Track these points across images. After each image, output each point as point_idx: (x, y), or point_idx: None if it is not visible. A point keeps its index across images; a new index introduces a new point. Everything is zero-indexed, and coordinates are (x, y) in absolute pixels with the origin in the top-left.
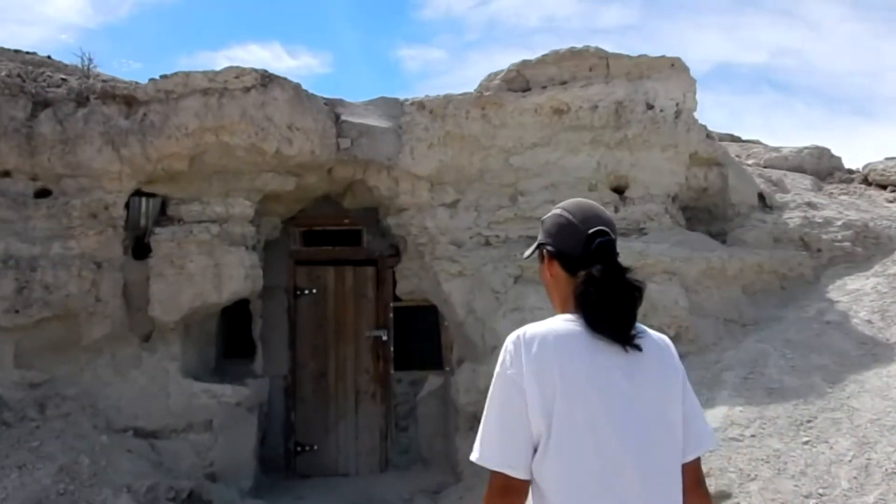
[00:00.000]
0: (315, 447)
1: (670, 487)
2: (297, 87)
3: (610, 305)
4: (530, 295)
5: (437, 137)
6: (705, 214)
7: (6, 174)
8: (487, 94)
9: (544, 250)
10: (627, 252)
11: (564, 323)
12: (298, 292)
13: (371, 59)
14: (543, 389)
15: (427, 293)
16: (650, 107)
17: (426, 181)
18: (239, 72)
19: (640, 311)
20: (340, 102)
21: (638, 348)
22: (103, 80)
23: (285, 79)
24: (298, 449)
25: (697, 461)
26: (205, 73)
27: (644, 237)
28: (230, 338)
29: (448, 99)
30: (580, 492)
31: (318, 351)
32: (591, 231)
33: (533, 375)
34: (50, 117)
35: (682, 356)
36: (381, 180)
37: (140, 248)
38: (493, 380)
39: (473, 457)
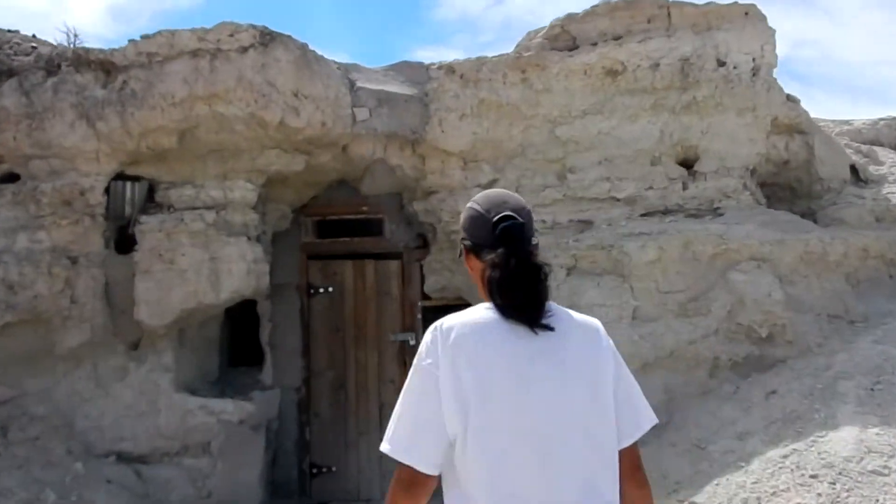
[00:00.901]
0: (333, 469)
1: (604, 474)
2: (303, 46)
3: (512, 288)
4: (588, 289)
5: (469, 106)
6: (786, 192)
7: None
8: (528, 54)
9: (462, 245)
10: (704, 235)
11: (483, 311)
12: (312, 291)
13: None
14: (460, 380)
15: (461, 290)
16: (722, 63)
17: (458, 158)
18: (234, 28)
19: (725, 306)
20: (356, 67)
21: (548, 328)
22: (77, 46)
23: (289, 37)
24: (314, 471)
25: (635, 445)
26: (193, 30)
27: (720, 218)
28: (236, 344)
29: (482, 61)
30: (504, 483)
31: (336, 358)
32: (495, 218)
33: (449, 366)
34: (14, 88)
35: (779, 360)
36: (404, 158)
37: (124, 241)
38: (410, 371)
39: (384, 447)
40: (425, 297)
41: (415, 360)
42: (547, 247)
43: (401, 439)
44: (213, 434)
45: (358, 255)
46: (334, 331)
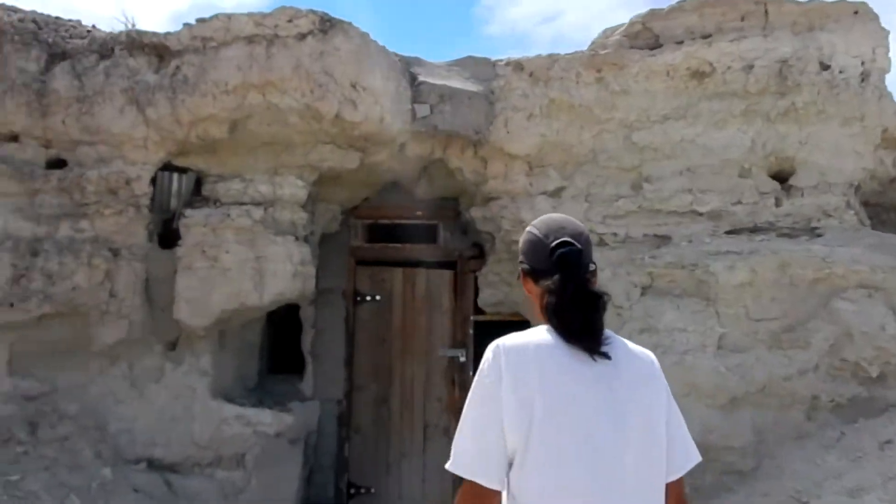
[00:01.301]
0: (372, 490)
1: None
2: (364, 35)
3: (569, 315)
4: (666, 311)
5: (538, 107)
6: (891, 213)
7: (13, 138)
8: (604, 52)
9: (521, 269)
10: (804, 258)
11: (543, 333)
12: (359, 298)
13: None
14: (521, 400)
15: (519, 305)
16: (825, 67)
17: (523, 162)
18: (293, 13)
19: (828, 339)
20: (418, 60)
21: (606, 356)
22: (131, 29)
23: (350, 24)
24: (352, 491)
25: (681, 480)
26: (251, 15)
27: (819, 239)
28: (276, 350)
29: (553, 59)
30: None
31: (381, 371)
32: (553, 244)
33: (510, 385)
34: (66, 71)
35: (892, 405)
36: (465, 160)
37: (167, 235)
38: (472, 387)
39: (448, 464)
40: (479, 310)
41: (476, 377)
42: (619, 262)
43: (464, 456)
44: (248, 446)
45: (409, 263)
46: (380, 342)
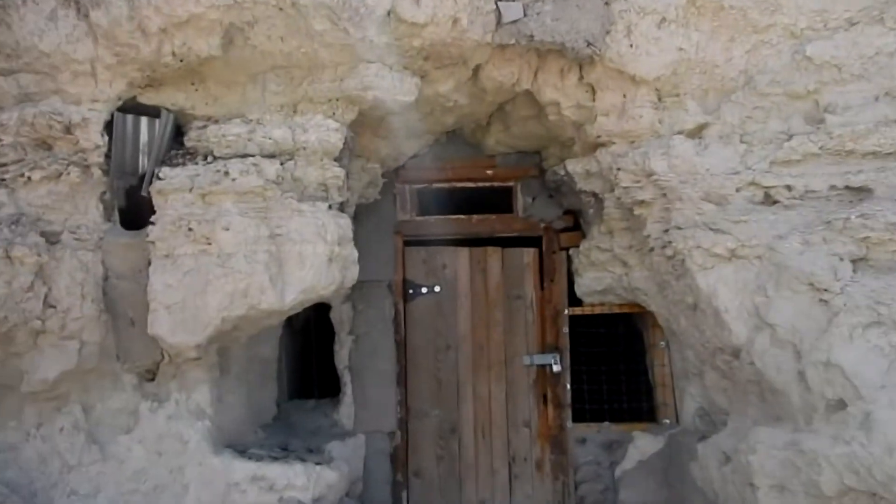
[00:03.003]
0: None
1: None
2: None
3: None
4: None
5: (674, 8)
6: None
7: None
8: None
9: None
10: None
11: None
12: (411, 291)
13: None
14: None
15: (639, 293)
16: None
17: (650, 89)
18: None
19: None
20: None
21: None
22: None
23: None
24: None
25: None
26: None
27: None
28: (301, 366)
29: None
30: None
31: (445, 390)
32: None
33: None
34: None
35: None
36: (565, 90)
37: (135, 210)
38: None
39: None
40: (575, 300)
41: None
42: (805, 226)
43: None
44: None
45: (476, 241)
46: (442, 349)
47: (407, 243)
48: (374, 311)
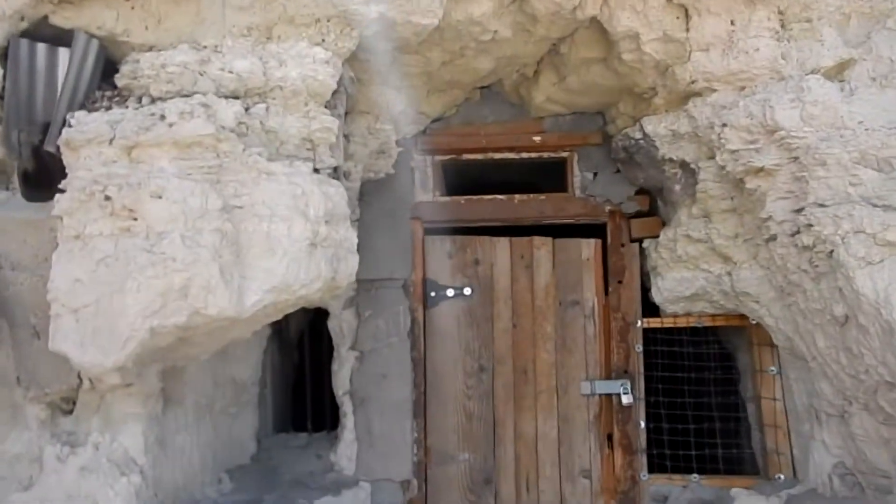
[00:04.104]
0: None
1: None
2: None
3: None
4: None
5: None
6: None
7: None
8: None
9: None
10: None
11: None
12: (433, 294)
13: None
14: None
15: (747, 300)
16: None
17: (770, 11)
18: None
19: None
20: None
21: None
22: None
23: None
24: None
25: None
26: None
27: None
28: (293, 390)
29: None
30: None
31: (477, 426)
32: None
33: None
34: None
35: None
36: (648, 13)
37: (46, 175)
38: None
39: None
40: (651, 309)
41: None
42: None
43: None
44: None
45: (521, 229)
46: (473, 372)
47: (428, 232)
48: (385, 320)
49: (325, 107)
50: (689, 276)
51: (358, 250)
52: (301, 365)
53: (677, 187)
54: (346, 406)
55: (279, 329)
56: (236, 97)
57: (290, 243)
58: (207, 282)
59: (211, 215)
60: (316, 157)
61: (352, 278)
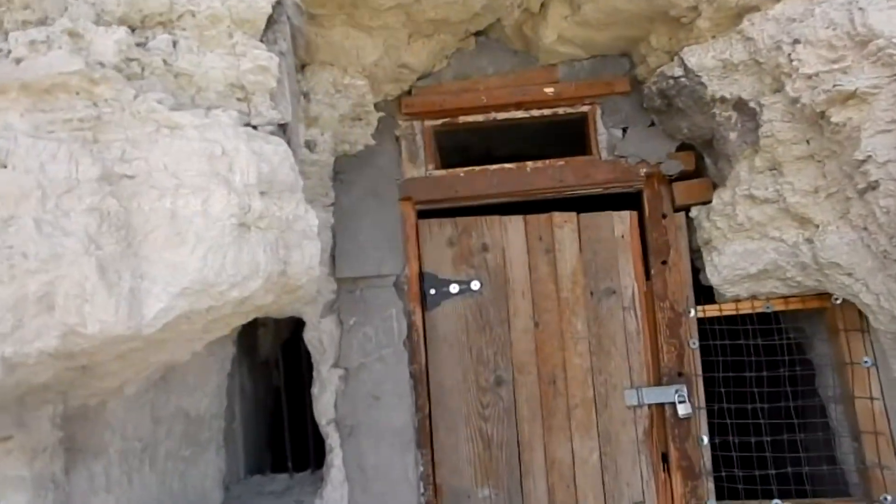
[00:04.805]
0: None
1: None
2: None
3: None
4: None
5: None
6: None
7: None
8: None
9: None
10: None
11: None
12: (433, 291)
13: None
14: None
15: (836, 272)
16: None
17: None
18: None
19: None
20: None
21: None
22: None
23: None
24: None
25: None
26: None
27: None
28: (272, 421)
29: None
30: None
31: (497, 454)
32: None
33: None
34: None
35: None
36: None
37: None
38: None
39: None
40: (706, 294)
41: None
42: None
43: None
44: None
45: (536, 204)
46: (489, 386)
47: (422, 214)
48: (375, 328)
49: (261, 41)
50: (754, 247)
51: (336, 242)
52: (279, 389)
53: (733, 135)
54: (332, 438)
55: (250, 346)
56: (121, 23)
57: (207, 225)
58: (80, 286)
59: (83, 189)
60: (251, 108)
61: (313, 273)
